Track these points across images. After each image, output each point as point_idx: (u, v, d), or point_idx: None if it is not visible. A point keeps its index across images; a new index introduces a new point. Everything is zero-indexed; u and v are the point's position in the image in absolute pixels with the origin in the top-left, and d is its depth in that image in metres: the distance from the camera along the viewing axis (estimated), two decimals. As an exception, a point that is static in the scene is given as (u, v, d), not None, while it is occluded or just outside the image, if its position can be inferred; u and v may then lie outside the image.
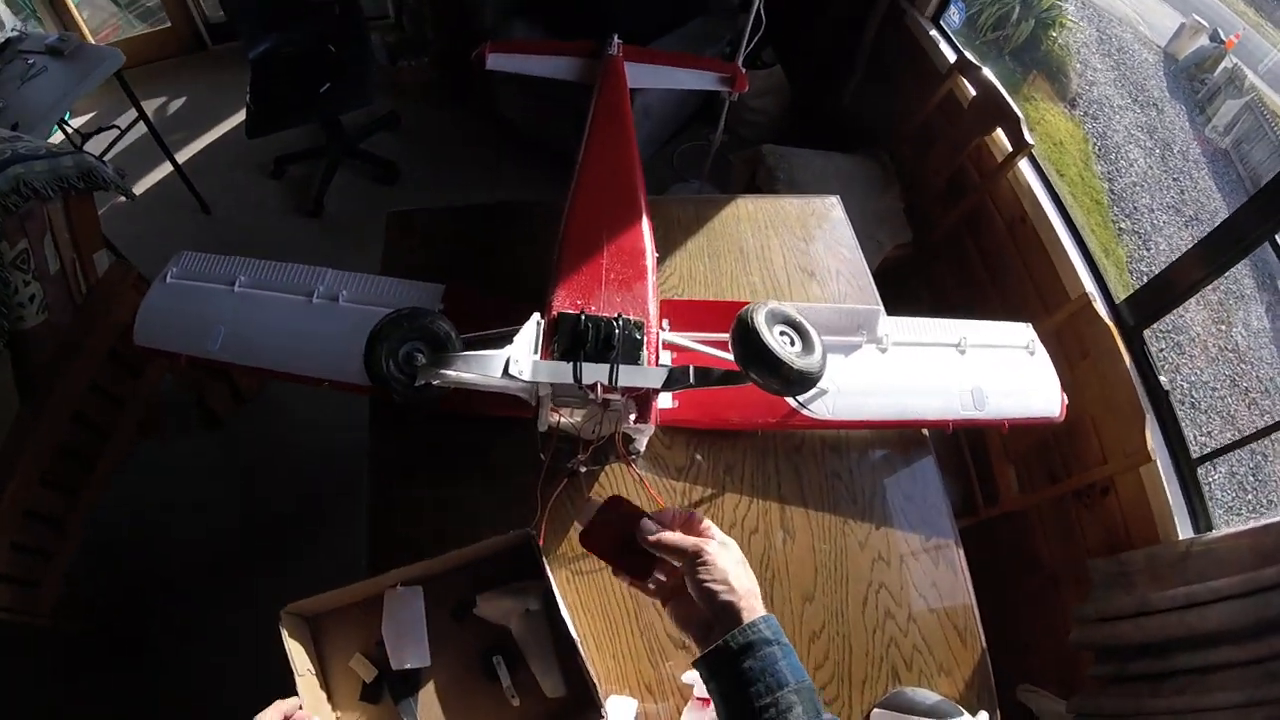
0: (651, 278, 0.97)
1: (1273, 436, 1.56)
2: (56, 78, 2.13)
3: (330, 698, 0.90)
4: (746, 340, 0.75)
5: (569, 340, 0.84)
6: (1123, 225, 2.63)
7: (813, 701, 0.58)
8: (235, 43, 2.85)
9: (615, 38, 1.46)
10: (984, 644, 1.02)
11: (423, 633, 0.91)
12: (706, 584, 0.62)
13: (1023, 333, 1.21)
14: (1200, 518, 1.44)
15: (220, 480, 2.15)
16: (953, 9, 2.39)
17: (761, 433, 1.13)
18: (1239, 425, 2.16)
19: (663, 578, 0.69)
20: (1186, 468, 1.48)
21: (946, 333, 1.18)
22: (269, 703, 0.79)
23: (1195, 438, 2.01)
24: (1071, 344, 1.62)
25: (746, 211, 1.44)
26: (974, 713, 0.94)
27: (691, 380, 0.81)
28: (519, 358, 0.79)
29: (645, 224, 1.05)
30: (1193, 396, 2.23)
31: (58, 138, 2.60)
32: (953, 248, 2.20)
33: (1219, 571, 1.17)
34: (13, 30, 2.42)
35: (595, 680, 0.84)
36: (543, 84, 1.57)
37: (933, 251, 2.26)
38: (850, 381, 1.10)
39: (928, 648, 1.00)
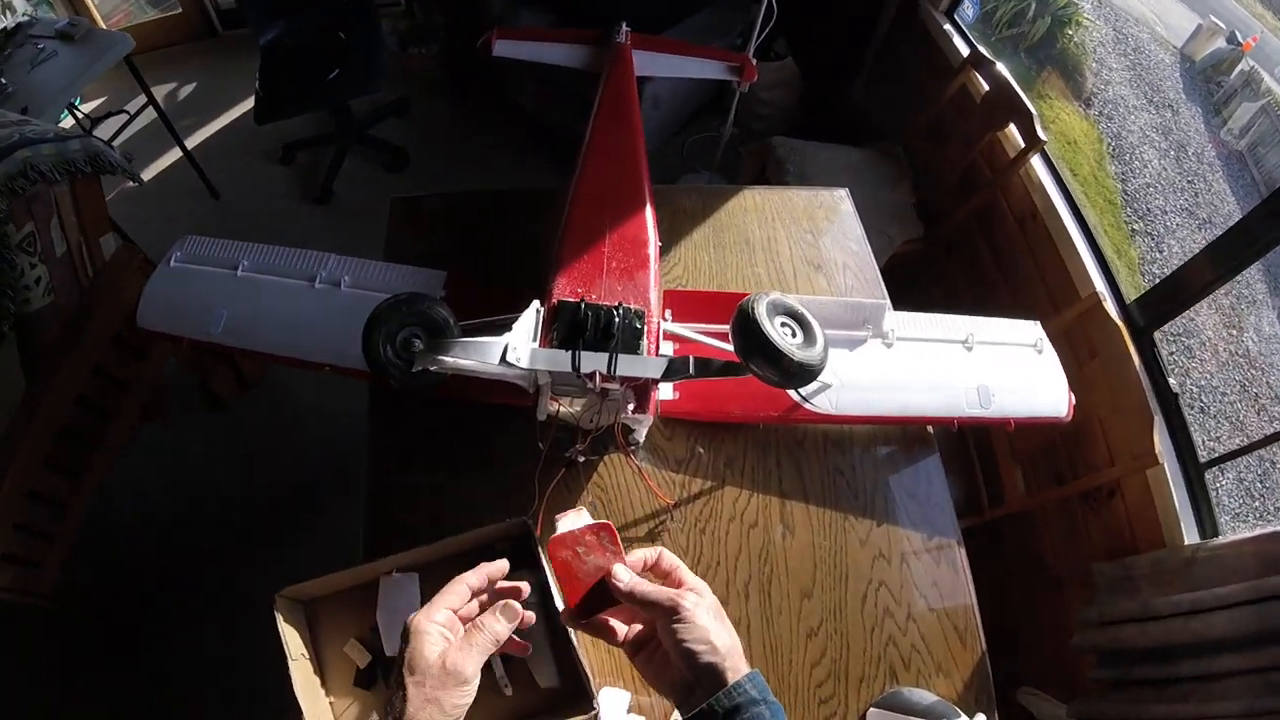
0: (654, 267, 0.96)
1: (1282, 443, 1.54)
2: (66, 62, 2.13)
3: (324, 683, 0.90)
4: (747, 331, 0.74)
5: (568, 328, 0.83)
6: (1136, 227, 2.61)
7: None
8: (245, 29, 2.85)
9: (624, 25, 1.44)
10: (984, 645, 1.01)
11: (418, 620, 0.90)
12: (687, 645, 0.58)
13: (1031, 330, 1.19)
14: (1206, 523, 1.42)
15: (222, 465, 2.15)
16: (966, 3, 2.36)
17: (763, 426, 1.12)
18: (1248, 431, 2.14)
19: (625, 626, 0.66)
20: (1194, 472, 1.46)
21: (953, 329, 1.16)
22: (264, 688, 0.78)
23: (1203, 443, 1.99)
24: (1081, 344, 1.60)
25: (753, 203, 1.43)
26: (971, 715, 0.94)
27: (691, 371, 0.80)
28: (517, 345, 0.78)
29: (649, 213, 1.03)
30: (1202, 401, 2.21)
31: (68, 122, 2.61)
32: (964, 243, 2.18)
33: (1224, 578, 1.16)
34: (24, 15, 2.43)
35: (589, 672, 0.84)
36: (551, 70, 1.56)
37: (944, 247, 2.24)
38: (854, 376, 1.09)
39: (926, 647, 0.99)
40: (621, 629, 0.67)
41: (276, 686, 0.82)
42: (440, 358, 0.76)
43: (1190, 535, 1.37)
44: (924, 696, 0.94)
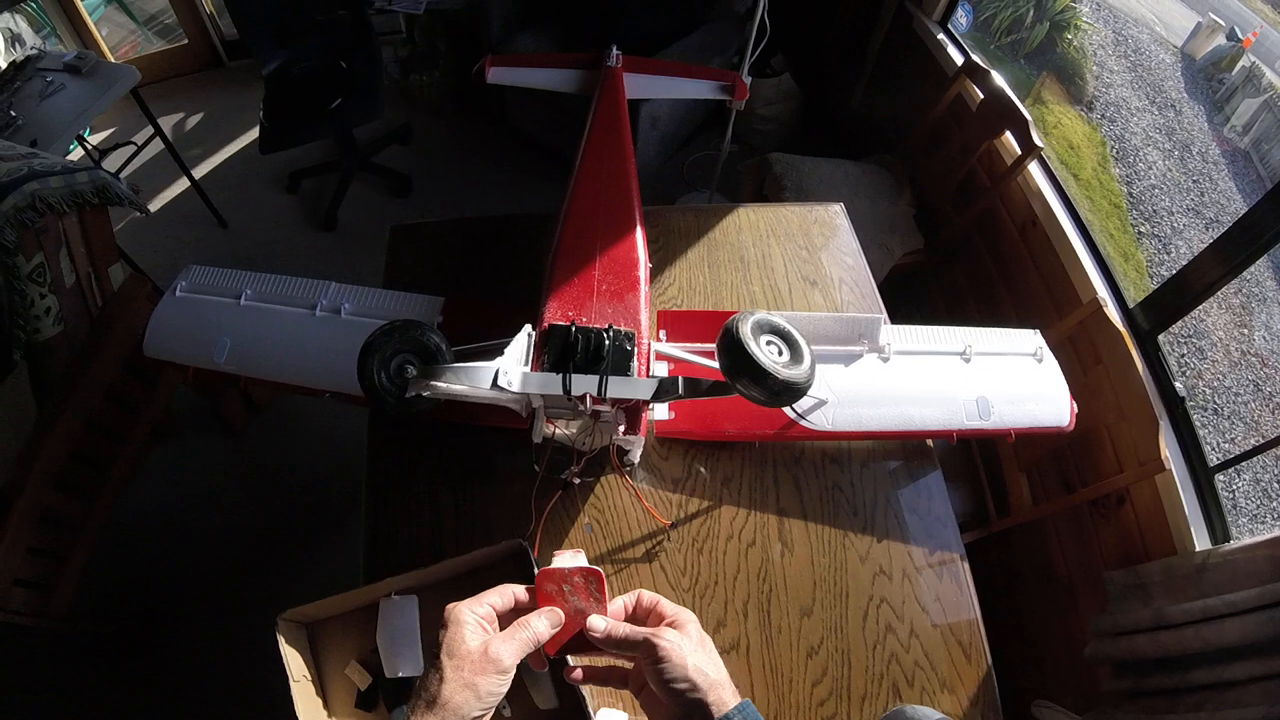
0: (644, 288, 0.96)
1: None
2: (74, 95, 2.18)
3: (326, 704, 0.90)
4: (732, 350, 0.74)
5: (559, 351, 0.84)
6: (1142, 229, 2.58)
7: None
8: (251, 59, 2.91)
9: (615, 49, 1.46)
10: (989, 660, 1.00)
11: (416, 642, 0.91)
12: (670, 684, 0.59)
13: (1030, 340, 1.19)
14: (1217, 528, 1.40)
15: (231, 488, 2.18)
16: (960, 12, 2.37)
17: (760, 444, 1.12)
18: (1262, 431, 2.11)
19: (618, 663, 0.67)
20: (1203, 476, 1.44)
21: (951, 341, 1.16)
22: (268, 709, 0.79)
23: (1218, 444, 1.97)
24: (1085, 349, 1.59)
25: (748, 220, 1.44)
26: (977, 730, 0.93)
27: (681, 391, 0.81)
28: (508, 369, 0.79)
29: (639, 235, 1.04)
30: (1215, 402, 2.18)
31: (77, 154, 2.67)
32: (965, 252, 2.17)
33: (1236, 584, 1.14)
34: (32, 48, 2.49)
35: (586, 694, 0.84)
36: (553, 94, 1.58)
37: (945, 256, 2.23)
38: (851, 391, 1.09)
39: (930, 664, 0.98)
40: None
41: (280, 707, 0.83)
42: (433, 383, 0.77)
43: (1201, 541, 1.35)
44: (929, 714, 0.93)
